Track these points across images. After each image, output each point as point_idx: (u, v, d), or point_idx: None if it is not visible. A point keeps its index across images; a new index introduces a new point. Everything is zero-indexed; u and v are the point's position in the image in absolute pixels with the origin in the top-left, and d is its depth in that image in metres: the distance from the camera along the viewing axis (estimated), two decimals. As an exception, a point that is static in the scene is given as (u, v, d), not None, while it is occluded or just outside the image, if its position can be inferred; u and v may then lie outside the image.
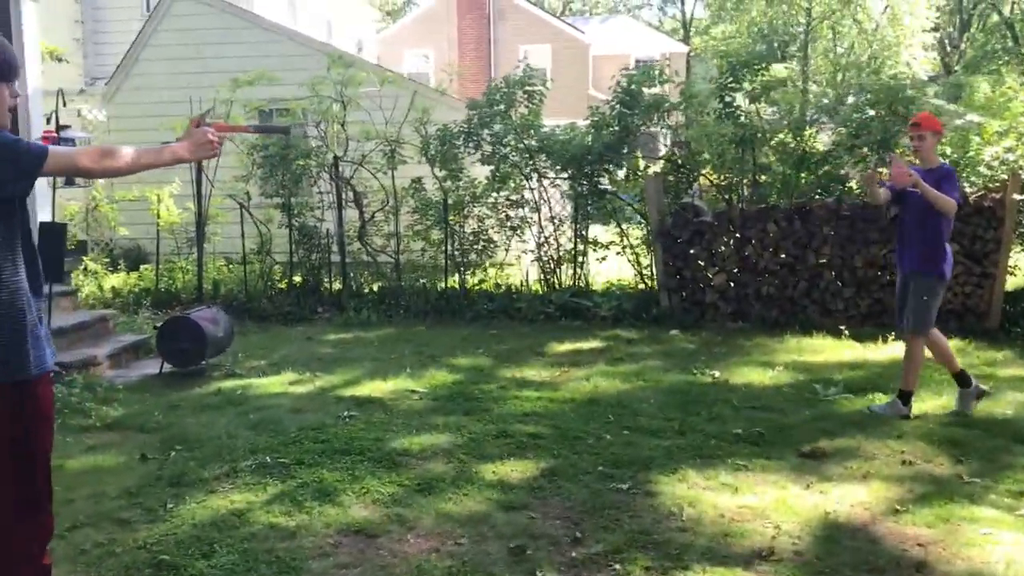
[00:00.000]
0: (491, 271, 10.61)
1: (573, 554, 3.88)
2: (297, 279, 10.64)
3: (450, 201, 10.18)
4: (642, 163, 10.36)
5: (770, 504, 4.38)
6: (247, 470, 4.90)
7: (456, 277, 10.37)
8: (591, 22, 39.70)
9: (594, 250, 10.29)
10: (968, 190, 8.48)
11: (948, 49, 44.32)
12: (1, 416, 2.74)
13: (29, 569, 2.88)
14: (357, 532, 4.12)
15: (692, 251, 9.20)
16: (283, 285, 10.62)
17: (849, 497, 4.47)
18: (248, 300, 10.13)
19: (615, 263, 10.39)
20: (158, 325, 7.79)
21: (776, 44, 39.91)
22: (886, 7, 36.59)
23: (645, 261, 9.97)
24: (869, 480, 4.70)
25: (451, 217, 10.24)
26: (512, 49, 28.24)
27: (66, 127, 8.89)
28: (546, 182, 10.29)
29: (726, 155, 9.70)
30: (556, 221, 10.28)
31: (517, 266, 10.80)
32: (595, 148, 9.72)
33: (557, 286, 10.17)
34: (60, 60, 12.63)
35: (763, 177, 9.80)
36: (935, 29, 40.86)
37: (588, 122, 10.14)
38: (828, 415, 5.88)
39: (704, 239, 9.13)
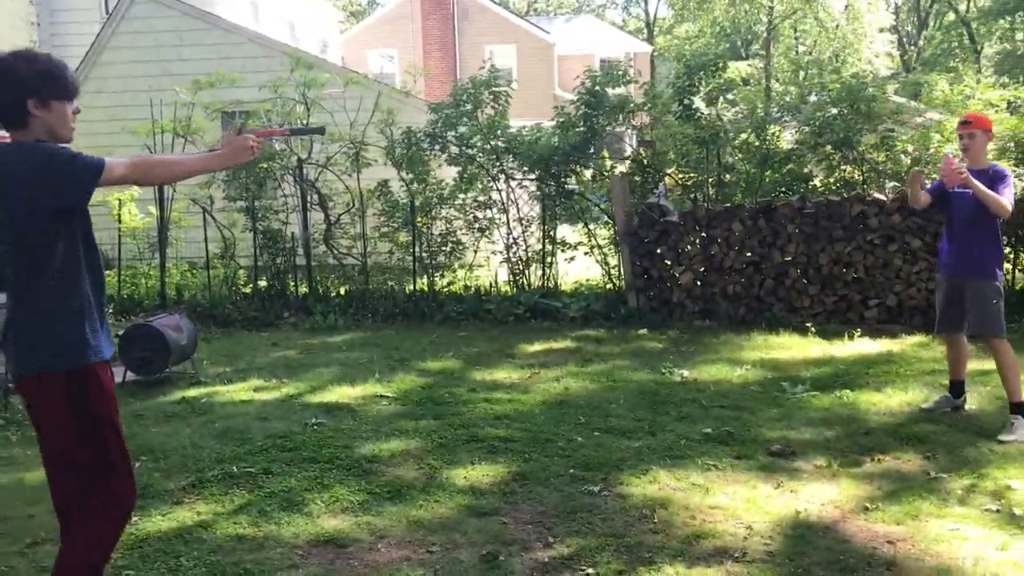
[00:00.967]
0: (460, 273, 10.56)
1: (545, 558, 3.86)
2: (262, 284, 10.53)
3: (417, 203, 10.13)
4: (609, 163, 10.37)
5: (741, 504, 4.39)
6: (213, 480, 4.82)
7: (424, 279, 10.31)
8: (556, 22, 39.75)
9: (562, 251, 10.28)
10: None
11: (907, 47, 44.96)
12: (65, 400, 2.98)
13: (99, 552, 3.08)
14: (327, 542, 4.06)
15: (659, 251, 9.23)
16: (248, 290, 10.50)
17: (819, 496, 4.49)
18: (212, 306, 10.00)
19: (583, 263, 10.40)
20: (120, 333, 7.66)
21: (739, 43, 40.27)
22: (846, 5, 37.00)
23: (613, 261, 9.99)
24: (838, 478, 4.73)
25: (418, 219, 10.18)
26: (477, 49, 28.20)
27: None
28: (513, 183, 10.27)
29: (691, 155, 9.75)
30: (524, 222, 10.26)
31: (486, 267, 10.76)
32: (561, 149, 9.72)
33: (526, 287, 10.16)
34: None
35: (728, 176, 9.85)
36: (894, 28, 41.44)
37: (554, 123, 10.13)
38: (796, 413, 5.91)
39: (670, 239, 9.16)
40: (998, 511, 4.24)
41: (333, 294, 10.39)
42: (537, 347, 8.25)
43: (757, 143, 9.64)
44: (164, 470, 5.02)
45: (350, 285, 10.43)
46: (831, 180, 9.59)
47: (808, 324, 8.44)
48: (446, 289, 10.30)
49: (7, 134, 3.02)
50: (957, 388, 5.89)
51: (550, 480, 4.77)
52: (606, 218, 10.30)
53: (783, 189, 9.51)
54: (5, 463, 5.30)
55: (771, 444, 5.26)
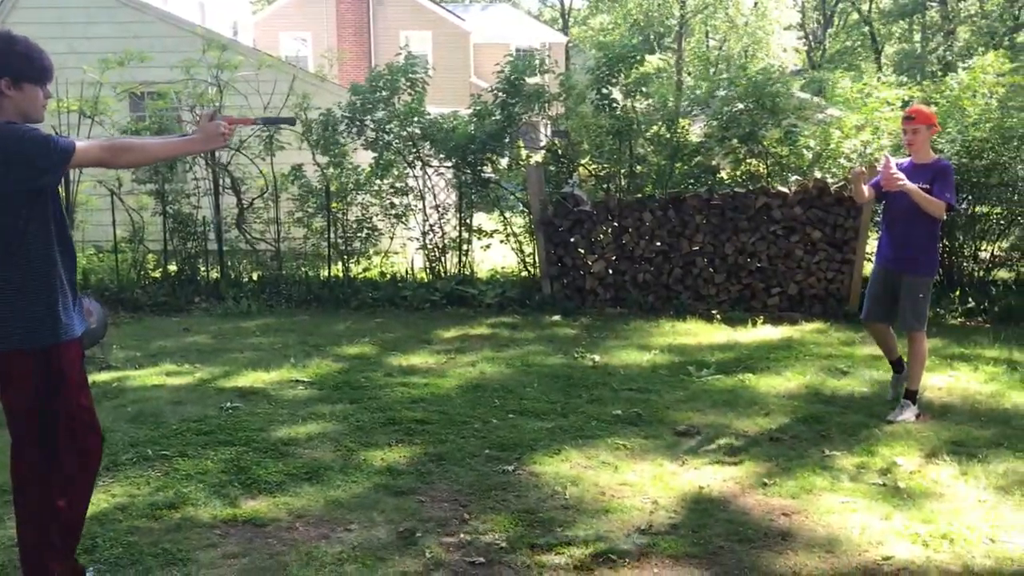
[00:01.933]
0: (376, 259, 10.58)
1: (461, 535, 3.98)
2: (172, 268, 10.35)
3: (332, 188, 10.10)
4: (525, 152, 10.51)
5: (648, 481, 4.59)
6: (128, 464, 4.80)
7: (340, 265, 10.30)
8: (472, 9, 39.72)
9: (479, 238, 10.39)
10: (829, 180, 8.98)
11: (813, 44, 46.41)
12: (33, 377, 3.14)
13: (53, 517, 3.29)
14: (245, 522, 4.10)
15: (572, 239, 9.43)
16: (157, 274, 10.32)
17: (721, 472, 4.73)
18: (121, 290, 9.80)
19: (499, 251, 10.53)
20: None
21: (652, 36, 40.93)
22: (755, 3, 38.01)
23: (528, 249, 10.15)
24: (739, 456, 4.98)
25: (333, 204, 10.16)
26: (392, 35, 28.03)
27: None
28: (430, 170, 10.33)
29: (604, 146, 9.97)
30: (441, 209, 10.33)
31: (403, 254, 10.80)
32: (478, 137, 9.81)
33: (443, 274, 10.24)
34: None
35: (639, 168, 10.11)
36: (801, 25, 42.72)
37: (471, 111, 10.22)
38: (701, 395, 6.17)
39: (584, 228, 9.37)
40: (884, 485, 4.54)
41: (246, 279, 10.29)
42: (453, 333, 8.36)
43: (668, 136, 9.92)
44: (75, 454, 4.95)
45: (263, 271, 10.34)
46: (737, 173, 9.94)
47: (714, 311, 8.77)
48: (362, 275, 10.31)
49: None
50: (898, 365, 6.04)
51: (466, 460, 4.89)
52: (522, 207, 10.45)
53: (692, 181, 9.82)
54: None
55: (677, 425, 5.50)
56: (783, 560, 3.76)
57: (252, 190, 10.29)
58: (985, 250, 9.47)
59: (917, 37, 42.81)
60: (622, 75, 9.70)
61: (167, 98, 10.27)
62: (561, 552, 3.81)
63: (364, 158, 10.40)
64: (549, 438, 5.25)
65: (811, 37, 46.98)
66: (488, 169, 10.26)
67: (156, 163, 2.85)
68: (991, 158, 8.77)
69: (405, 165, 10.26)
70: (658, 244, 9.21)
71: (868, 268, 9.28)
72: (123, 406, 5.91)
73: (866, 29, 43.56)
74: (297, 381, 6.56)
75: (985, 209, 9.34)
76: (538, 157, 10.36)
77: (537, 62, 10.12)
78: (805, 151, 9.39)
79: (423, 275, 10.37)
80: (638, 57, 9.81)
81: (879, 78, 10.73)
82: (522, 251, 10.20)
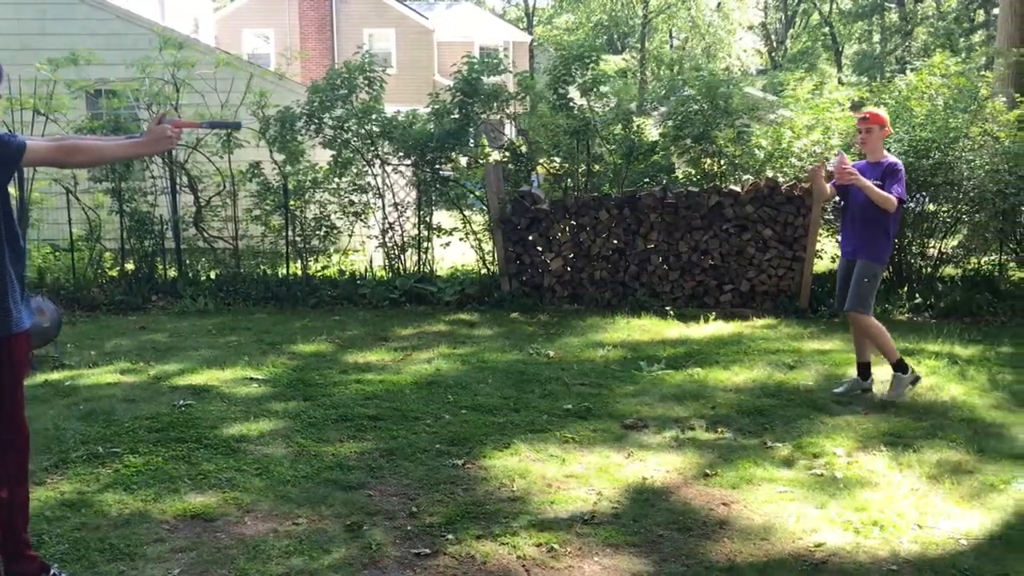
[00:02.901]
0: (335, 257, 10.60)
1: (408, 527, 4.06)
2: (129, 267, 10.30)
3: (290, 186, 10.11)
4: (486, 150, 10.58)
5: (594, 473, 4.70)
6: (78, 460, 4.82)
7: (298, 263, 10.31)
8: (436, 8, 39.67)
9: (438, 236, 10.44)
10: (780, 180, 9.16)
11: (775, 44, 46.96)
12: None
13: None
14: (194, 517, 4.15)
15: (530, 237, 9.52)
16: (114, 273, 10.27)
17: (665, 464, 4.84)
18: (77, 289, 9.74)
19: (459, 249, 10.59)
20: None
21: (615, 36, 41.18)
22: (718, 3, 38.37)
23: (487, 247, 10.22)
24: (684, 448, 5.10)
25: (292, 202, 10.17)
26: (356, 33, 27.95)
27: None
28: (389, 168, 10.37)
29: (562, 145, 10.08)
30: (400, 207, 10.37)
31: (362, 252, 10.83)
32: (437, 135, 9.87)
33: (402, 272, 10.28)
34: None
35: (597, 167, 10.23)
36: (763, 25, 43.19)
37: (430, 109, 10.27)
38: (651, 389, 6.29)
39: (541, 226, 9.47)
40: (822, 475, 4.68)
41: (203, 278, 10.26)
42: (411, 330, 8.42)
43: (624, 134, 10.05)
44: (25, 452, 4.96)
45: (221, 269, 10.32)
46: (692, 172, 10.10)
47: (668, 308, 8.91)
48: (320, 273, 10.32)
49: None
50: (864, 370, 6.21)
51: (416, 455, 4.96)
52: (481, 205, 10.52)
53: (647, 180, 9.95)
54: None
55: (626, 418, 5.61)
56: (720, 548, 3.88)
57: (209, 188, 10.27)
58: (932, 247, 9.70)
59: (876, 38, 43.49)
60: (579, 75, 9.81)
61: (123, 97, 10.21)
62: (505, 542, 3.90)
63: (323, 156, 10.41)
64: (500, 432, 5.34)
65: (773, 37, 47.54)
66: (448, 167, 10.33)
67: (107, 164, 2.92)
68: (937, 157, 8.99)
69: (364, 163, 10.29)
70: (614, 242, 9.34)
71: (818, 266, 9.50)
72: (75, 404, 5.92)
73: (827, 30, 44.19)
74: (251, 379, 6.59)
75: (932, 207, 9.56)
76: (497, 156, 10.43)
77: (495, 61, 10.20)
78: (757, 151, 9.56)
79: (382, 273, 10.41)
80: (594, 57, 9.93)
81: (839, 79, 10.94)
82: (481, 249, 10.28)
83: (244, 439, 5.20)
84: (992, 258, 9.65)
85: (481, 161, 10.31)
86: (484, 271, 10.20)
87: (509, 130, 11.74)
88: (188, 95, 10.03)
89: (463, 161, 10.49)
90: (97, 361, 7.18)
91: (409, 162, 10.27)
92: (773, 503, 4.33)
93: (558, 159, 10.39)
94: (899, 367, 6.04)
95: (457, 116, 9.99)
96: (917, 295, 9.08)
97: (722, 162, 9.87)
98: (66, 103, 9.79)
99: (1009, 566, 3.70)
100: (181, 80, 9.97)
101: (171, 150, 9.98)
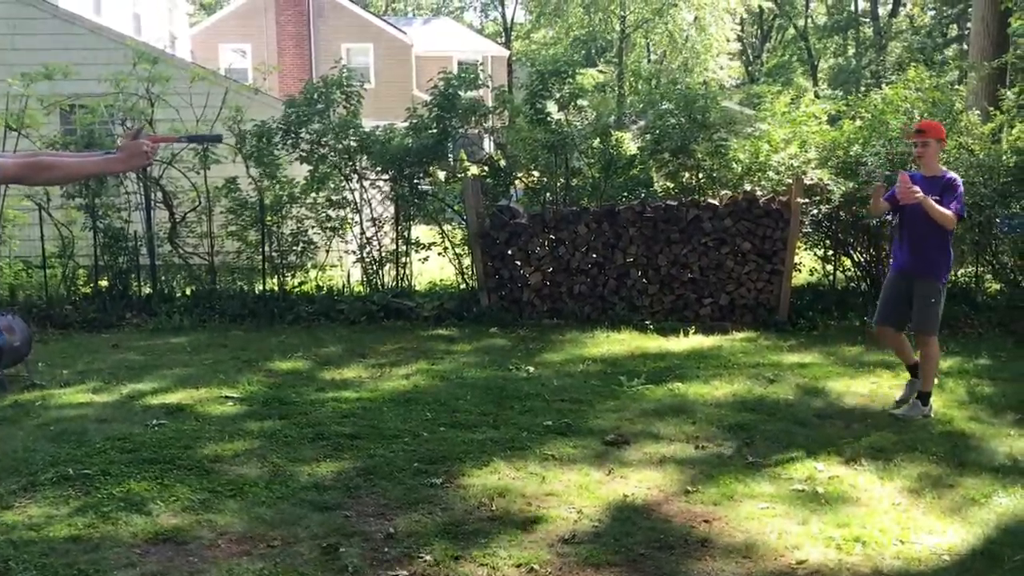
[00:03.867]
0: (312, 273, 10.50)
1: (386, 549, 3.98)
2: (103, 284, 10.16)
3: (267, 201, 10.02)
4: (464, 164, 10.54)
5: (574, 490, 4.65)
6: (47, 483, 4.71)
7: (275, 279, 10.21)
8: (414, 23, 39.74)
9: (416, 251, 10.38)
10: (758, 193, 9.18)
11: (752, 59, 47.35)
12: None
13: None
14: (166, 540, 4.06)
15: (509, 252, 9.47)
16: (88, 290, 10.12)
17: (646, 480, 4.80)
18: (49, 306, 9.59)
19: (437, 263, 10.53)
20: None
21: (594, 51, 41.37)
22: (695, 18, 38.61)
23: (466, 262, 10.16)
24: (665, 464, 5.06)
25: (268, 218, 10.07)
26: (334, 48, 27.86)
27: None
28: (367, 183, 10.31)
29: (540, 159, 10.06)
30: (378, 222, 10.31)
31: (339, 268, 10.74)
32: (414, 149, 9.82)
33: (380, 287, 10.20)
34: None
35: (575, 180, 10.22)
36: (740, 39, 43.52)
37: (407, 123, 10.23)
38: (631, 404, 6.25)
39: (520, 240, 9.42)
40: (804, 491, 4.65)
41: (179, 294, 10.14)
42: (389, 346, 8.34)
43: (603, 148, 10.04)
44: (-7, 475, 4.86)
45: (196, 285, 10.20)
46: (671, 186, 10.10)
47: (647, 322, 8.88)
48: (297, 289, 10.23)
49: None
50: (914, 369, 6.20)
51: (394, 474, 4.89)
52: (460, 219, 10.48)
53: (626, 194, 9.94)
54: None
55: (606, 434, 5.56)
56: (702, 566, 3.84)
57: (185, 204, 10.15)
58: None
59: (851, 52, 43.94)
60: (555, 89, 9.80)
61: (96, 112, 10.09)
62: (484, 563, 3.83)
63: (299, 171, 10.33)
64: (479, 450, 5.28)
65: (750, 52, 47.92)
66: (426, 182, 10.28)
67: (77, 181, 2.74)
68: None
69: (342, 178, 10.22)
70: (593, 256, 9.31)
71: (797, 279, 9.52)
72: (46, 425, 5.80)
73: (802, 44, 44.61)
74: (227, 397, 6.48)
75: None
76: (475, 170, 10.40)
77: (472, 77, 10.18)
78: (735, 164, 9.58)
79: (360, 288, 10.32)
80: (571, 71, 9.93)
81: (816, 92, 10.99)
82: (460, 263, 10.21)
83: (218, 459, 5.10)
84: (969, 270, 9.70)
85: (459, 175, 10.27)
86: (463, 286, 10.14)
87: (487, 144, 11.73)
88: (163, 110, 9.93)
89: (441, 175, 10.44)
90: (69, 380, 7.05)
91: (387, 177, 10.22)
92: (755, 519, 4.29)
93: (536, 173, 10.37)
94: (925, 398, 5.99)
95: (435, 130, 9.94)
96: (895, 307, 9.09)
97: (700, 175, 9.88)
98: (38, 119, 9.66)
99: (992, 581, 3.68)
100: (156, 95, 9.87)
101: (147, 166, 9.88)
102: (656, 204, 9.30)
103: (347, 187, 10.24)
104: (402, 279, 10.28)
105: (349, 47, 28.73)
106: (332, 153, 10.10)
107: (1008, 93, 10.02)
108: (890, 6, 43.39)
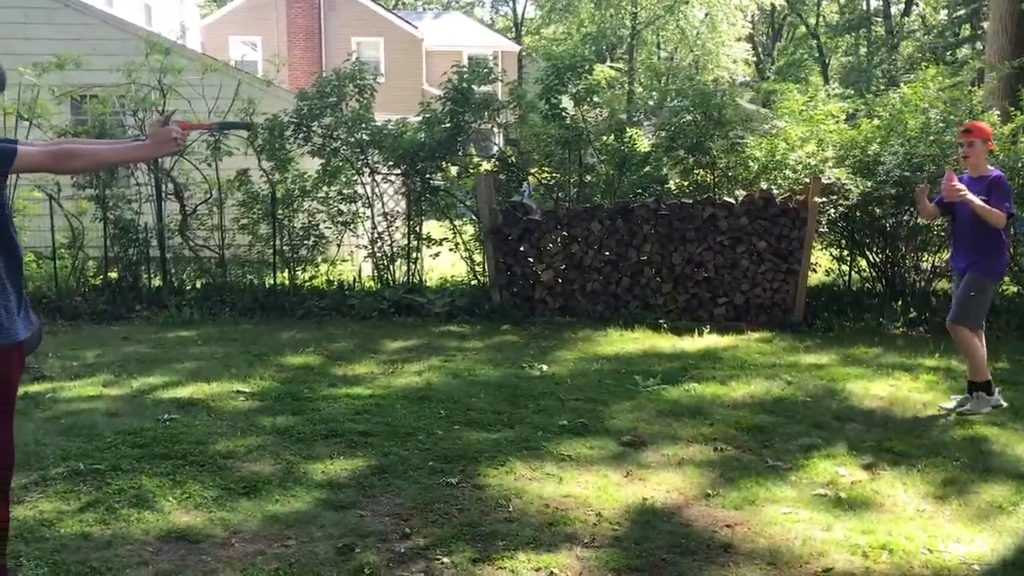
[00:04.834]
0: (323, 267, 10.44)
1: (401, 549, 3.91)
2: (113, 275, 10.11)
3: (278, 194, 9.95)
4: (476, 160, 10.46)
5: (592, 492, 4.56)
6: (58, 478, 4.64)
7: (286, 273, 10.14)
8: (424, 17, 39.69)
9: (428, 246, 10.31)
10: (774, 192, 9.08)
11: (762, 56, 47.14)
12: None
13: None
14: (178, 538, 3.99)
15: (522, 248, 9.39)
16: (97, 282, 10.07)
17: (665, 483, 4.72)
18: (59, 298, 9.55)
19: (449, 259, 10.46)
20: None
21: (604, 47, 41.24)
22: (706, 14, 38.48)
23: (478, 258, 10.09)
24: (683, 466, 4.97)
25: (280, 211, 10.01)
26: (344, 41, 27.85)
27: None
28: (379, 177, 10.24)
29: (554, 155, 9.97)
30: (390, 217, 10.24)
31: (350, 262, 10.68)
32: (427, 144, 9.75)
33: (391, 282, 10.14)
34: None
35: (589, 177, 10.13)
36: (751, 37, 43.35)
37: (420, 118, 10.15)
38: (647, 404, 6.16)
39: (533, 236, 9.34)
40: (826, 495, 4.56)
41: (189, 287, 10.08)
42: (400, 343, 8.27)
43: (617, 145, 9.95)
44: (3, 469, 4.79)
45: (207, 278, 10.15)
46: (686, 183, 10.00)
47: (661, 320, 8.79)
48: (308, 283, 10.17)
49: None
50: (986, 387, 6.06)
51: (409, 473, 4.82)
52: (472, 215, 10.40)
53: (640, 191, 9.85)
54: None
55: (623, 435, 5.48)
56: (725, 572, 3.75)
57: (196, 196, 10.10)
58: (927, 261, 9.63)
59: (863, 50, 43.71)
60: (571, 84, 9.71)
61: (107, 102, 10.03)
62: (503, 567, 3.76)
63: (311, 164, 10.27)
64: (494, 449, 5.20)
65: (760, 49, 47.71)
66: (438, 177, 10.21)
67: (106, 169, 2.76)
68: (932, 171, 8.92)
69: (353, 172, 10.15)
70: (607, 253, 9.22)
71: (813, 279, 9.43)
72: (56, 418, 5.74)
73: (813, 42, 44.38)
74: (238, 392, 6.42)
75: (925, 221, 9.49)
76: (488, 165, 10.32)
77: (486, 70, 10.09)
78: (751, 162, 9.48)
79: (371, 283, 10.26)
80: (587, 67, 9.84)
81: (827, 91, 10.87)
82: (472, 260, 10.14)
83: (231, 455, 5.04)
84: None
85: (472, 171, 10.19)
86: (474, 282, 10.07)
87: (499, 139, 11.64)
88: (174, 101, 9.85)
89: (454, 171, 10.37)
90: (79, 373, 6.99)
91: (399, 171, 10.15)
92: (777, 524, 4.21)
93: (549, 169, 10.29)
94: (986, 387, 5.96)
95: (448, 125, 9.87)
96: (911, 309, 9.01)
97: (715, 173, 9.78)
98: (50, 108, 9.61)
99: (1023, 592, 3.60)
100: (167, 86, 9.81)
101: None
102: (671, 202, 9.21)
103: (359, 181, 10.17)
104: (413, 275, 10.21)
105: (359, 40, 28.68)
106: (344, 147, 10.03)
107: (1028, 93, 9.89)
108: (903, 5, 43.15)
